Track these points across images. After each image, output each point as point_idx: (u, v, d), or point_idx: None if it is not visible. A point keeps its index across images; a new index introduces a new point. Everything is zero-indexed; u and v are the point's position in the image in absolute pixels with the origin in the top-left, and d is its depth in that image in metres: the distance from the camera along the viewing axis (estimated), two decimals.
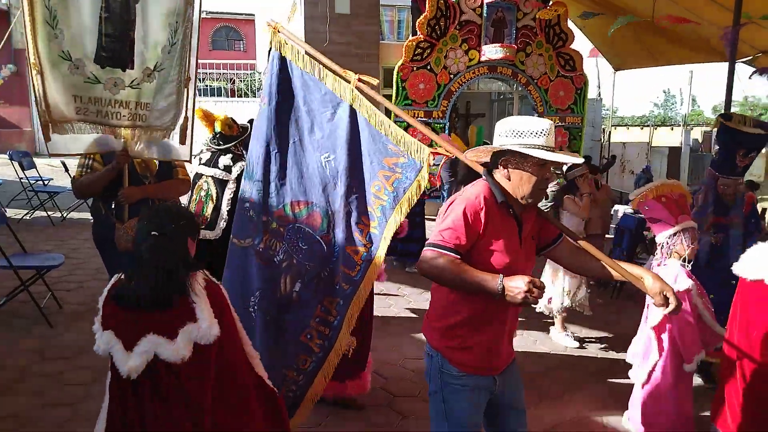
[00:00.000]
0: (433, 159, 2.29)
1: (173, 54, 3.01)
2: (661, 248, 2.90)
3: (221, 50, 28.63)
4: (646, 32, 9.39)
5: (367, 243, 2.46)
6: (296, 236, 2.55)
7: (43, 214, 7.96)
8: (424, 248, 1.96)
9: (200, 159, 4.05)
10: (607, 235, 6.74)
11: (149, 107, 3.05)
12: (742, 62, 9.37)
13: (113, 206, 3.16)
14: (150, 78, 3.00)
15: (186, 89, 3.13)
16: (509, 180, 1.99)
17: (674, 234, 2.86)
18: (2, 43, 10.38)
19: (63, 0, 2.69)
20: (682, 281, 2.81)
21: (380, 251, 2.44)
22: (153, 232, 1.83)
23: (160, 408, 1.79)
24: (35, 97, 2.80)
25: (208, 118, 4.01)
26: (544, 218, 2.15)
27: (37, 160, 9.24)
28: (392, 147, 2.34)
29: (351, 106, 2.43)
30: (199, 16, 3.14)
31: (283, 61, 2.57)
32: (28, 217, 7.95)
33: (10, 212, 7.82)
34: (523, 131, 1.94)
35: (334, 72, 2.48)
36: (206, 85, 16.68)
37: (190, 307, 1.81)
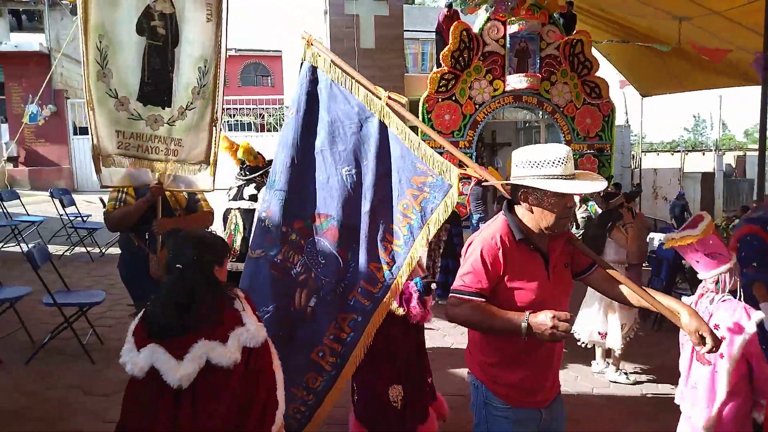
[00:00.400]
0: (462, 185, 2.32)
1: (202, 95, 3.25)
2: (717, 284, 2.74)
3: (250, 86, 29.38)
4: (672, 58, 9.38)
5: (390, 261, 2.42)
6: (315, 249, 2.51)
7: (83, 249, 8.18)
8: (450, 294, 1.96)
9: (228, 195, 4.14)
10: (644, 265, 6.62)
11: (181, 143, 3.26)
12: None
13: (146, 237, 3.27)
14: (183, 116, 3.22)
15: (214, 127, 3.37)
16: (531, 212, 1.94)
17: (729, 269, 2.73)
18: (44, 84, 10.88)
19: (112, 42, 2.91)
20: (756, 315, 2.63)
21: (403, 270, 2.40)
22: (177, 265, 1.87)
23: (201, 415, 1.79)
24: (90, 131, 3.00)
25: (232, 147, 4.13)
26: (574, 245, 2.09)
27: (76, 197, 9.55)
28: (421, 166, 2.32)
29: (381, 121, 2.41)
30: (225, 62, 3.38)
31: (313, 72, 2.56)
32: (68, 253, 8.18)
33: (52, 248, 8.05)
34: (539, 161, 1.89)
35: (365, 87, 2.48)
36: (236, 121, 17.08)
37: (236, 314, 1.87)
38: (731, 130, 44.92)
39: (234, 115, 17.06)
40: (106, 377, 4.17)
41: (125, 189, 3.28)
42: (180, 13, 3.12)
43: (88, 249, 8.18)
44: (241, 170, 4.13)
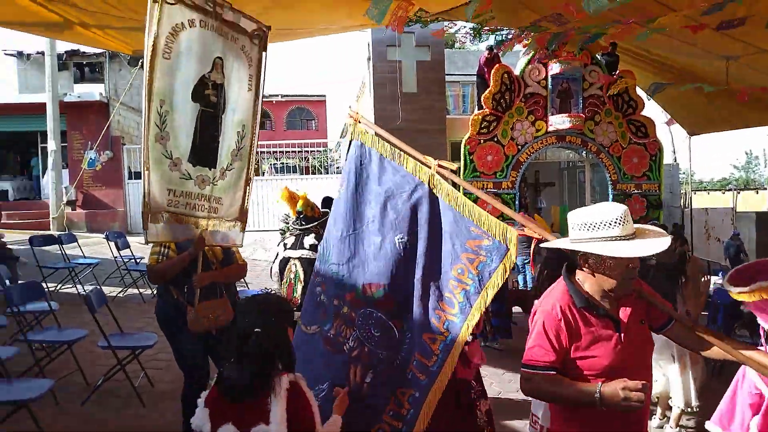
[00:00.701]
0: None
1: (240, 157, 3.53)
2: None
3: (295, 130, 30.25)
4: (720, 97, 9.17)
5: (445, 331, 2.30)
6: (368, 322, 2.43)
7: (135, 291, 8.45)
8: (521, 368, 1.91)
9: (285, 244, 4.24)
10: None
11: (221, 201, 3.49)
12: None
13: (185, 290, 3.36)
14: (223, 176, 3.47)
15: (248, 187, 3.64)
16: (593, 276, 1.88)
17: None
18: (103, 132, 11.43)
19: (171, 107, 3.13)
20: None
21: (461, 337, 2.28)
22: (256, 329, 1.91)
23: None
24: (143, 189, 3.15)
25: (292, 198, 4.25)
26: (647, 300, 1.98)
27: (129, 239, 9.92)
28: (475, 229, 2.29)
29: (431, 190, 2.44)
30: (258, 129, 3.67)
31: (361, 148, 2.68)
32: (121, 295, 8.45)
33: (106, 289, 8.32)
34: (595, 223, 1.84)
35: (414, 158, 2.57)
36: (282, 163, 17.56)
37: (267, 408, 1.86)
38: None
39: (279, 158, 17.53)
40: (154, 420, 4.24)
41: (167, 244, 3.40)
42: (228, 82, 3.39)
43: (140, 290, 8.44)
44: (297, 220, 4.26)
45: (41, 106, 14.44)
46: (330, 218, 2.71)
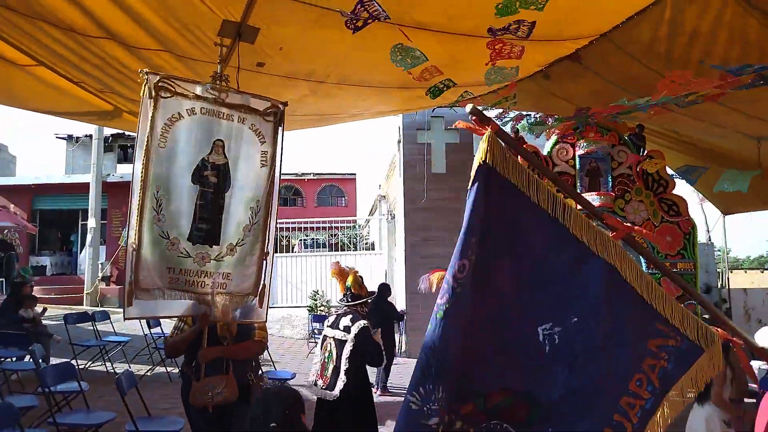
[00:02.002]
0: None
1: (252, 232, 3.55)
2: None
3: (325, 206, 30.85)
4: (754, 177, 9.11)
5: None
6: None
7: (163, 369, 8.44)
8: None
9: (328, 321, 4.29)
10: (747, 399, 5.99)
11: (230, 276, 3.50)
12: None
13: (192, 365, 3.43)
14: (232, 252, 3.49)
15: (265, 261, 3.61)
16: None
17: None
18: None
19: (168, 191, 3.26)
20: None
21: None
22: (272, 424, 1.95)
23: None
24: (128, 270, 3.24)
25: (342, 274, 4.31)
26: None
27: None
28: (661, 326, 1.80)
29: (608, 263, 1.82)
30: (276, 202, 3.73)
31: (496, 182, 1.85)
32: (149, 374, 8.45)
33: (135, 367, 8.37)
34: None
35: (590, 211, 1.92)
36: (311, 239, 17.80)
37: None
38: None
39: (309, 234, 17.80)
40: None
41: (184, 319, 3.51)
42: (234, 162, 3.50)
43: (168, 369, 8.43)
44: (344, 296, 4.31)
45: (85, 186, 15.15)
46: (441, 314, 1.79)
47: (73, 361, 6.98)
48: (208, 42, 4.09)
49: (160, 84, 3.24)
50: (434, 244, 11.39)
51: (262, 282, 3.61)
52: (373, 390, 7.94)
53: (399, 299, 12.46)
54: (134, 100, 5.54)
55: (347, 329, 4.08)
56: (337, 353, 4.05)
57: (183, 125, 3.32)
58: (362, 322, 4.07)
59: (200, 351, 3.39)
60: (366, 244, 20.13)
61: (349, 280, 4.28)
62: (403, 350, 11.21)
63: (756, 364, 7.98)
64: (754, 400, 6.37)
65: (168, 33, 3.97)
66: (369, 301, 4.34)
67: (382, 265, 14.28)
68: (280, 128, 3.69)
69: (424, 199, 11.37)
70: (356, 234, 18.27)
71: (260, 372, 3.89)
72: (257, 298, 3.62)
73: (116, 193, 16.37)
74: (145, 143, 3.19)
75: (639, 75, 5.13)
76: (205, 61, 4.37)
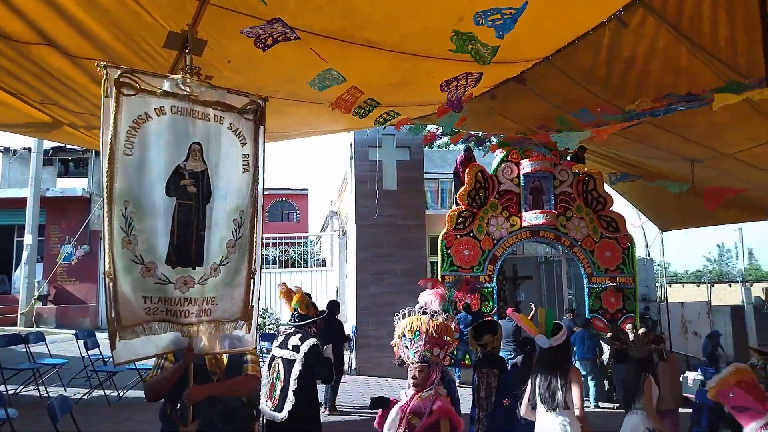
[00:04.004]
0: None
1: (237, 247, 3.05)
2: None
3: (276, 222, 30.46)
4: (689, 195, 9.59)
5: None
6: None
7: (101, 393, 8.07)
8: None
9: (276, 341, 4.21)
10: (681, 409, 6.25)
11: (214, 301, 2.99)
12: None
13: (178, 407, 2.98)
14: (216, 272, 2.99)
15: (253, 281, 3.10)
16: None
17: (764, 425, 2.57)
18: (83, 226, 11.37)
19: (138, 206, 2.76)
20: None
21: None
22: None
23: None
24: (106, 306, 2.76)
25: (288, 295, 4.23)
26: None
27: (100, 336, 9.59)
28: None
29: None
30: (262, 213, 3.22)
31: None
32: (86, 397, 8.06)
33: (71, 391, 7.98)
34: None
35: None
36: (261, 256, 17.50)
37: None
38: (758, 259, 44.22)
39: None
40: None
41: (165, 355, 3.03)
42: (213, 168, 3.01)
43: (107, 392, 8.06)
44: (292, 317, 4.23)
45: (22, 201, 14.46)
46: None
47: (2, 387, 6.59)
48: (154, 53, 4.02)
49: (121, 80, 2.69)
50: (385, 261, 11.43)
51: (250, 303, 3.08)
52: (322, 410, 7.84)
53: (350, 316, 12.40)
54: (75, 112, 5.36)
55: (296, 348, 4.02)
56: (285, 374, 3.97)
57: (152, 128, 2.80)
58: (312, 341, 4.02)
59: (186, 390, 2.89)
60: (317, 260, 19.98)
61: (295, 301, 4.22)
62: (352, 368, 11.13)
63: (691, 375, 8.35)
64: (690, 410, 6.65)
65: (113, 44, 3.87)
66: (317, 320, 4.28)
67: (334, 281, 14.21)
68: (261, 127, 3.21)
69: (376, 216, 11.42)
70: (308, 250, 18.11)
71: (255, 412, 3.39)
72: (246, 323, 3.07)
73: (55, 208, 15.71)
74: (109, 151, 2.66)
75: (579, 97, 5.36)
76: (151, 73, 4.28)
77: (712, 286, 18.77)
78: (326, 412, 7.81)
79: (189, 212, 2.91)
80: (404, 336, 3.15)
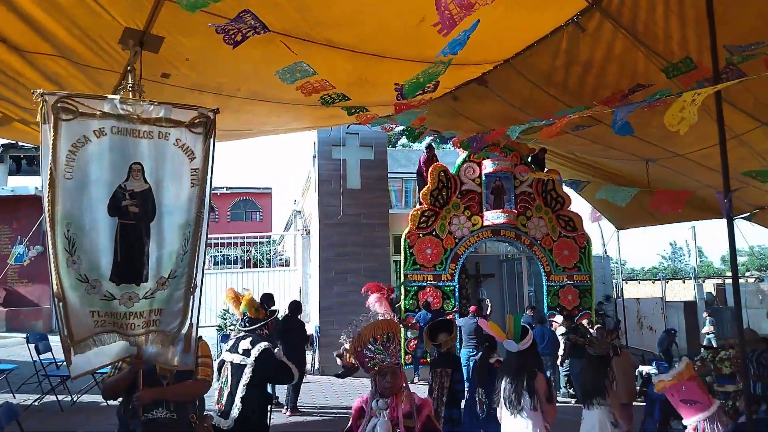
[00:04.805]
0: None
1: (185, 261, 3.11)
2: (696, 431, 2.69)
3: (239, 221, 30.05)
4: (644, 194, 9.87)
5: None
6: None
7: (53, 398, 7.80)
8: None
9: (227, 345, 4.11)
10: (635, 402, 6.45)
11: (162, 313, 3.08)
12: (742, 218, 9.73)
13: (130, 407, 3.14)
14: (164, 286, 3.06)
15: (192, 296, 3.14)
16: None
17: (710, 417, 2.69)
18: (36, 226, 11.04)
19: (80, 228, 2.81)
20: None
21: None
22: None
23: None
24: (58, 324, 2.83)
25: (236, 300, 4.14)
26: None
27: (53, 339, 9.27)
28: None
29: None
30: (206, 231, 3.27)
31: None
32: (37, 403, 7.78)
33: (21, 397, 7.71)
34: None
35: None
36: (223, 255, 17.26)
37: None
38: (708, 257, 45.97)
39: (221, 251, 17.26)
40: None
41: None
42: (158, 185, 3.04)
43: (59, 398, 7.81)
44: (241, 321, 4.13)
45: None
46: None
47: None
48: (110, 50, 3.91)
49: (59, 105, 2.72)
50: (349, 260, 11.42)
51: (188, 321, 3.12)
52: (283, 410, 7.78)
53: (313, 315, 12.33)
54: (26, 108, 5.16)
55: (247, 352, 3.91)
56: (233, 379, 3.86)
57: (92, 150, 2.83)
58: (263, 344, 3.90)
59: (136, 393, 3.07)
60: (281, 260, 19.81)
61: (243, 305, 4.13)
62: (315, 368, 11.09)
63: (645, 369, 8.61)
64: (644, 403, 6.87)
65: (66, 39, 3.75)
66: (268, 322, 4.18)
67: (297, 281, 14.11)
68: (210, 140, 3.18)
69: (340, 215, 11.40)
70: (271, 250, 17.93)
71: (204, 412, 3.52)
72: (183, 340, 3.11)
73: (6, 207, 15.11)
74: (49, 176, 2.69)
75: (539, 100, 5.46)
76: (106, 69, 4.17)
77: (667, 282, 19.45)
78: (287, 413, 7.75)
79: (132, 231, 2.97)
80: (374, 341, 3.09)
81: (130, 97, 3.08)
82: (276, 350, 4.03)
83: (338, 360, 3.14)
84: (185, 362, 3.15)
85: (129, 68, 3.50)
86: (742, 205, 8.89)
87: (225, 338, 10.51)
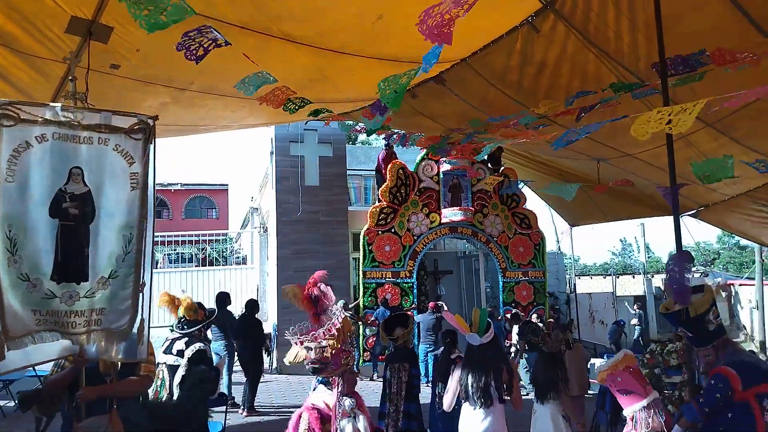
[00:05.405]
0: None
1: (126, 262, 3.23)
2: (635, 423, 2.80)
3: (194, 219, 29.41)
4: (595, 192, 10.16)
5: None
6: None
7: None
8: None
9: (162, 347, 4.03)
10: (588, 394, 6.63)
11: (104, 312, 3.18)
12: (688, 215, 10.13)
13: (73, 404, 3.17)
14: (105, 285, 3.18)
15: (141, 294, 3.28)
16: None
17: (646, 406, 2.79)
18: None
19: (22, 229, 2.92)
20: None
21: None
22: None
23: None
24: None
25: (173, 303, 4.07)
26: None
27: None
28: None
29: None
30: (153, 232, 3.39)
31: None
32: None
33: None
34: None
35: None
36: (177, 253, 16.84)
37: None
38: (656, 253, 47.68)
39: (175, 249, 16.84)
40: None
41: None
42: (97, 189, 3.17)
43: (1, 403, 7.48)
44: (178, 323, 4.04)
45: None
46: None
47: None
48: (56, 39, 3.75)
49: (1, 111, 2.86)
50: (307, 258, 11.33)
51: (139, 317, 3.27)
52: (239, 411, 7.67)
53: (271, 314, 12.19)
54: None
55: (180, 353, 3.88)
56: (170, 380, 3.82)
57: (33, 155, 2.96)
58: (198, 345, 3.90)
59: (78, 391, 3.12)
60: (237, 258, 19.50)
61: (181, 310, 4.06)
62: (273, 367, 10.97)
63: (597, 362, 8.86)
64: (594, 393, 7.07)
65: (6, 26, 3.58)
66: (207, 323, 4.15)
67: (254, 279, 13.92)
68: (150, 146, 3.35)
69: (298, 212, 11.30)
70: (227, 248, 17.62)
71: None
72: (136, 335, 3.27)
73: None
74: None
75: (495, 99, 5.54)
76: (50, 59, 3.99)
77: (617, 277, 20.08)
78: (244, 413, 7.64)
79: (72, 232, 3.10)
80: (348, 339, 3.07)
81: (72, 104, 3.19)
82: (217, 357, 3.98)
83: (308, 353, 2.98)
84: (141, 354, 3.30)
85: (70, 58, 3.39)
86: (689, 203, 9.25)
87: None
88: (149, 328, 3.34)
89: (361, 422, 2.91)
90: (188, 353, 3.83)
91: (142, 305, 3.29)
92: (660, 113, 3.06)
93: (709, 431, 2.86)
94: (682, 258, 3.25)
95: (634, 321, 14.57)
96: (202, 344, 3.93)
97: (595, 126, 4.32)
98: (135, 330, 3.26)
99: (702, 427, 2.77)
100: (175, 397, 3.75)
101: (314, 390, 3.07)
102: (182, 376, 3.76)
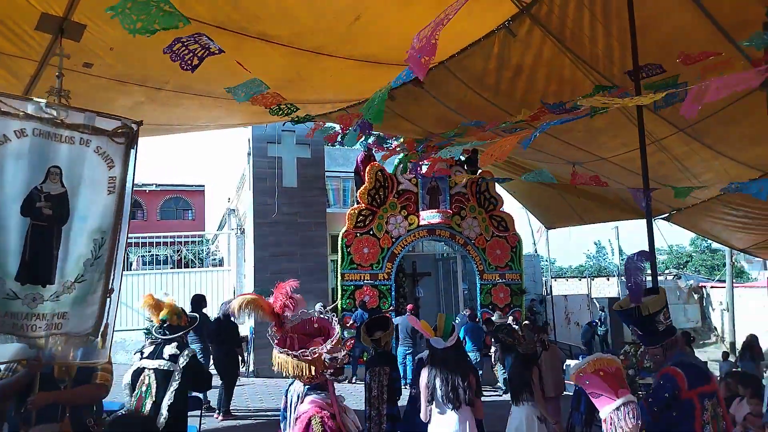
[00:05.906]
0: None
1: (96, 267, 3.14)
2: (606, 424, 2.83)
3: (169, 220, 29.01)
4: (571, 195, 10.29)
5: None
6: None
7: None
8: None
9: (141, 353, 3.90)
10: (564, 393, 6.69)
11: (66, 316, 3.08)
12: (661, 219, 10.32)
13: (22, 410, 3.04)
14: (69, 289, 3.07)
15: (109, 299, 3.21)
16: None
17: (617, 408, 2.82)
18: None
19: None
20: None
21: None
22: None
23: None
24: None
25: (156, 307, 3.95)
26: None
27: None
28: None
29: None
30: (125, 238, 3.33)
31: None
32: None
33: None
34: None
35: None
36: (152, 255, 16.56)
37: None
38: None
39: (150, 251, 16.57)
40: None
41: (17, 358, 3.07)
42: (73, 190, 3.08)
43: None
44: (160, 329, 3.92)
45: None
46: None
47: None
48: (25, 36, 3.66)
49: None
50: (285, 260, 11.26)
51: (104, 321, 3.18)
52: (215, 415, 7.57)
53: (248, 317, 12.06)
54: None
55: (174, 358, 3.77)
56: (157, 387, 3.71)
57: (11, 149, 2.86)
58: (190, 349, 3.85)
59: (30, 397, 2.99)
60: (214, 260, 19.28)
61: (164, 313, 3.95)
62: (250, 370, 10.87)
63: (572, 363, 8.96)
64: (572, 393, 7.15)
65: None
66: (189, 330, 4.06)
67: (231, 281, 13.77)
68: (132, 150, 3.26)
69: (275, 213, 11.22)
70: (203, 249, 17.41)
71: (104, 416, 3.44)
72: (99, 338, 3.18)
73: None
74: None
75: (472, 102, 5.57)
76: (21, 57, 3.90)
77: (592, 279, 20.39)
78: (220, 418, 7.55)
79: (43, 233, 2.99)
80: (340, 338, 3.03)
81: (56, 101, 3.10)
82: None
83: (334, 361, 2.82)
84: (102, 356, 3.22)
85: (46, 59, 3.32)
86: (661, 207, 9.43)
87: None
88: (113, 332, 3.26)
89: (352, 416, 2.92)
90: (183, 360, 3.76)
91: (108, 311, 3.20)
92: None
93: (654, 430, 3.00)
94: (638, 258, 3.40)
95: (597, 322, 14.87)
96: (193, 348, 3.88)
97: (557, 122, 4.37)
98: (99, 335, 3.18)
99: (647, 426, 2.91)
100: (164, 405, 3.66)
101: (303, 400, 2.97)
102: (179, 381, 3.69)
